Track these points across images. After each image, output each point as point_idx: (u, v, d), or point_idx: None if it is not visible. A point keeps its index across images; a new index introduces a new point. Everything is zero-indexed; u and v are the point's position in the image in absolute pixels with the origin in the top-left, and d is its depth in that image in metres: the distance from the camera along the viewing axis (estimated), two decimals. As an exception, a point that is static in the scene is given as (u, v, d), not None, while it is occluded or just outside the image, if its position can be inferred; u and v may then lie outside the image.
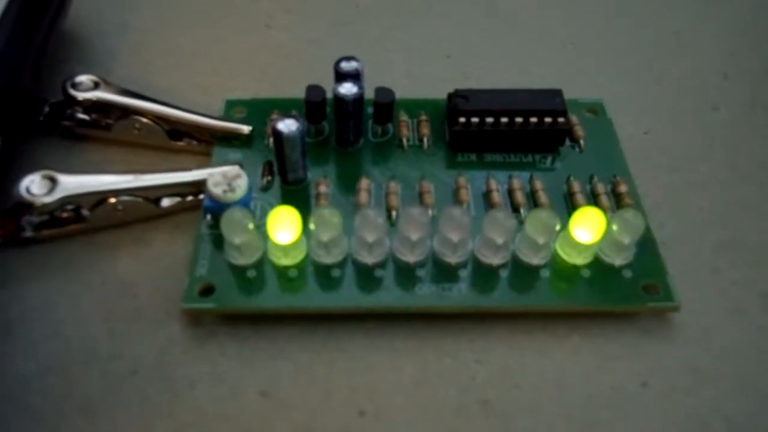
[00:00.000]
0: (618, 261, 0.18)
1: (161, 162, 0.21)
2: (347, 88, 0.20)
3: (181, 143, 0.21)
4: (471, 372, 0.17)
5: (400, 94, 0.21)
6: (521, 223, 0.18)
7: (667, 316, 0.18)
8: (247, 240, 0.17)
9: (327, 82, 0.20)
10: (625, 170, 0.20)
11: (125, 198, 0.19)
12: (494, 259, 0.18)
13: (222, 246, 0.18)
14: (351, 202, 0.19)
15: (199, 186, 0.19)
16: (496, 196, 0.19)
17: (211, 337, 0.17)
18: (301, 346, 0.17)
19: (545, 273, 0.18)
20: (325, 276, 0.18)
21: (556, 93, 0.21)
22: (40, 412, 0.16)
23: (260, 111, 0.22)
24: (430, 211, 0.19)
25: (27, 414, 0.16)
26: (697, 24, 0.27)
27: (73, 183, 0.18)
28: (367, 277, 0.18)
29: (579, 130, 0.21)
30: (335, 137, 0.21)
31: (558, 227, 0.17)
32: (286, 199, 0.19)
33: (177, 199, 0.20)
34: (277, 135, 0.19)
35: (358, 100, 0.20)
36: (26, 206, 0.18)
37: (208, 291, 0.17)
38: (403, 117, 0.22)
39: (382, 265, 0.18)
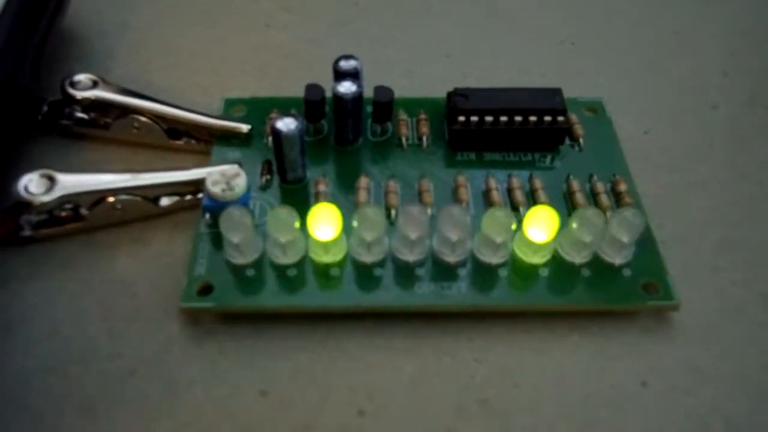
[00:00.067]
0: (618, 260, 0.18)
1: (160, 161, 0.21)
2: (346, 87, 0.20)
3: (179, 142, 0.21)
4: (470, 371, 0.17)
5: (399, 92, 0.21)
6: (520, 222, 0.18)
7: (666, 315, 0.18)
8: (246, 239, 0.17)
9: (326, 81, 0.20)
10: (625, 169, 0.20)
11: (124, 197, 0.19)
12: (493, 258, 0.18)
13: (221, 245, 0.18)
14: (350, 201, 0.19)
15: (197, 185, 0.19)
16: (496, 195, 0.19)
17: (210, 337, 0.17)
18: (301, 346, 0.17)
19: (545, 272, 0.18)
20: (325, 275, 0.18)
21: (556, 92, 0.21)
22: (39, 412, 0.16)
23: (259, 110, 0.22)
24: (429, 210, 0.19)
25: (26, 413, 0.16)
26: (697, 23, 0.27)
27: (71, 182, 0.18)
28: (366, 276, 0.18)
29: (578, 129, 0.21)
30: (334, 136, 0.21)
31: (557, 226, 0.17)
32: (285, 198, 0.19)
33: (176, 198, 0.20)
34: (276, 134, 0.19)
35: (357, 98, 0.20)
36: (25, 205, 0.18)
37: (207, 290, 0.17)
38: (403, 116, 0.22)
39: (381, 264, 0.18)
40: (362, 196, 0.19)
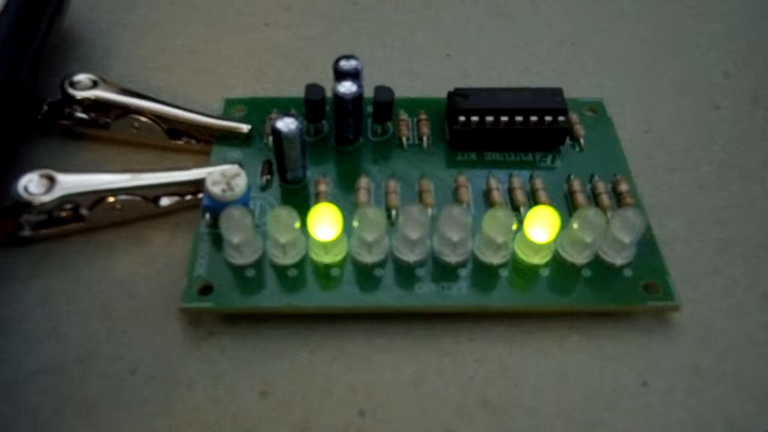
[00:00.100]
0: (618, 260, 0.18)
1: (160, 161, 0.21)
2: (347, 87, 0.20)
3: (179, 142, 0.21)
4: (470, 371, 0.17)
5: (399, 92, 0.21)
6: (520, 222, 0.18)
7: (667, 315, 0.18)
8: (246, 239, 0.17)
9: (326, 81, 0.20)
10: (626, 169, 0.20)
11: (124, 197, 0.19)
12: (494, 259, 0.18)
13: (221, 245, 0.18)
14: (350, 201, 0.19)
15: (197, 185, 0.19)
16: (497, 195, 0.19)
17: (210, 337, 0.17)
18: (301, 346, 0.17)
19: (545, 272, 0.18)
20: (325, 275, 0.18)
21: (557, 92, 0.21)
22: (39, 412, 0.16)
23: (260, 110, 0.22)
24: (429, 210, 0.19)
25: (25, 413, 0.16)
26: (698, 23, 0.27)
27: (71, 182, 0.18)
28: (366, 276, 0.18)
29: (579, 129, 0.21)
30: (334, 136, 0.21)
31: (559, 226, 0.17)
32: (286, 199, 0.19)
33: (176, 198, 0.19)
34: (277, 134, 0.18)
35: (358, 98, 0.20)
36: (25, 205, 0.18)
37: (206, 290, 0.17)
38: (403, 116, 0.22)
39: (381, 264, 0.18)
40: (363, 196, 0.19)
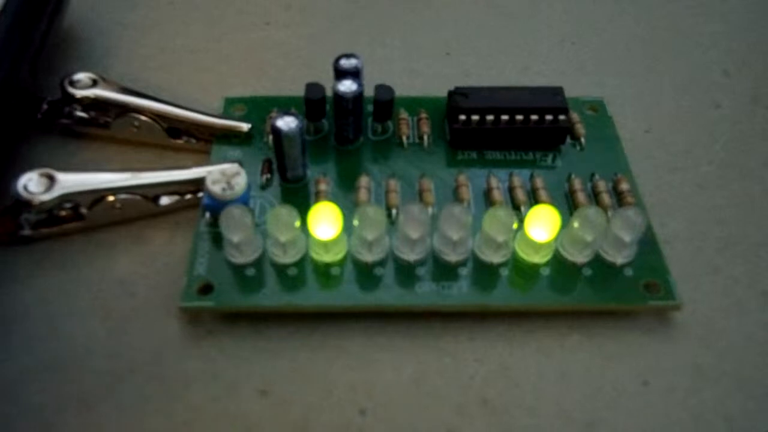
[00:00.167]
0: (619, 259, 0.18)
1: (160, 160, 0.21)
2: (347, 86, 0.20)
3: (179, 141, 0.21)
4: (471, 371, 0.17)
5: (399, 91, 0.21)
6: (521, 221, 0.18)
7: (668, 314, 0.18)
8: (246, 238, 0.17)
9: (326, 80, 0.20)
10: (627, 168, 0.20)
11: (124, 196, 0.19)
12: (494, 258, 0.18)
13: (221, 244, 0.18)
14: (351, 200, 0.19)
15: (197, 184, 0.19)
16: (497, 194, 0.19)
17: (210, 336, 0.17)
18: (301, 345, 0.17)
19: (546, 271, 0.18)
20: (325, 274, 0.18)
21: (557, 91, 0.21)
22: (38, 410, 0.16)
23: (260, 108, 0.22)
24: (430, 209, 0.19)
25: (26, 412, 0.16)
26: (698, 22, 0.27)
27: (71, 181, 0.18)
28: (366, 275, 0.18)
29: (580, 128, 0.21)
30: (335, 135, 0.21)
31: (559, 225, 0.17)
32: (286, 197, 0.19)
33: (176, 197, 0.19)
34: (277, 132, 0.18)
35: (358, 97, 0.20)
36: (24, 204, 0.18)
37: (206, 289, 0.17)
38: (403, 114, 0.22)
39: (381, 263, 0.18)
40: (363, 195, 0.19)
